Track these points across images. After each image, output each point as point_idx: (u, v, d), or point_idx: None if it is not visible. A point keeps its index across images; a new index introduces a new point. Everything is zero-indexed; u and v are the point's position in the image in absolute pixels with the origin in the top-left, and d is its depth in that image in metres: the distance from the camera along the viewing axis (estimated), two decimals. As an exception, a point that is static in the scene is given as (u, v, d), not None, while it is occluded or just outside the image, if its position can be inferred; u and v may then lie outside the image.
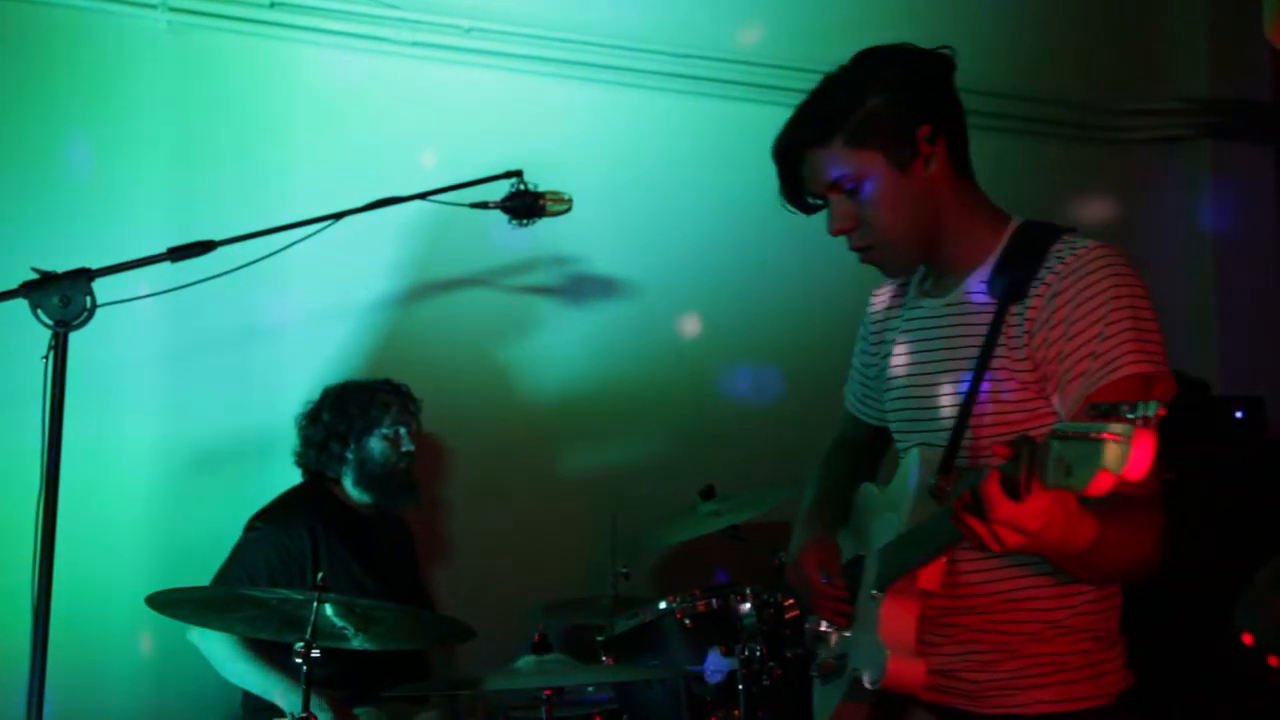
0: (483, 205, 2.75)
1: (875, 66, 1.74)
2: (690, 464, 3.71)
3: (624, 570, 3.31)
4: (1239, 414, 3.95)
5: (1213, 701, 3.36)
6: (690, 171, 3.96)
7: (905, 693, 1.63)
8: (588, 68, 3.90)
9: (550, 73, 3.87)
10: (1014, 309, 1.66)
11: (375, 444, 3.20)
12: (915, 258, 1.78)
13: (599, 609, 3.26)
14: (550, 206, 2.77)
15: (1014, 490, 1.29)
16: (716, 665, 2.84)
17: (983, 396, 1.67)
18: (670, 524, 3.49)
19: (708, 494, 3.40)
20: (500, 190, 2.78)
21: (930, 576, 1.60)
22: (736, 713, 2.75)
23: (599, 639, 3.14)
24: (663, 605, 3.01)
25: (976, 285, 1.73)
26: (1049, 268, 1.64)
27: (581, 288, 3.88)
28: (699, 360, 3.97)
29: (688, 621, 2.98)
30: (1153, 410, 1.14)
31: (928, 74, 1.73)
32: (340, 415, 3.21)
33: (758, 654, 2.76)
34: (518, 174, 2.77)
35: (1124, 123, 4.57)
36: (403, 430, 3.24)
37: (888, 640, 1.61)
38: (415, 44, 3.73)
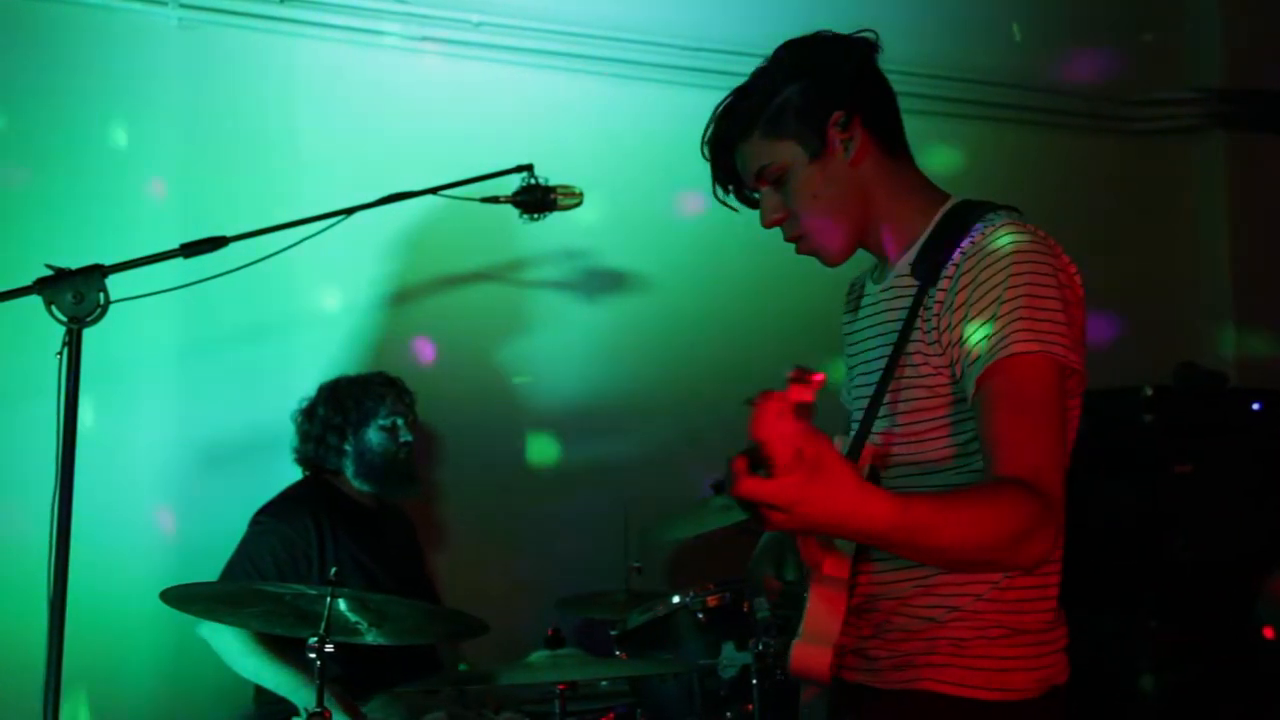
0: (493, 200, 2.75)
1: (791, 56, 1.74)
2: (703, 458, 3.70)
3: (637, 565, 3.30)
4: (1257, 406, 3.91)
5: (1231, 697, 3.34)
6: (702, 166, 3.92)
7: (812, 681, 1.59)
8: (599, 61, 3.89)
9: (561, 66, 3.86)
10: (931, 291, 1.64)
11: (373, 435, 3.22)
12: (847, 245, 1.76)
13: (612, 604, 3.26)
14: (561, 201, 2.76)
15: (768, 465, 1.25)
16: (730, 659, 2.83)
17: (899, 382, 1.65)
18: (683, 519, 3.48)
19: (720, 488, 3.40)
20: (511, 185, 2.78)
21: (835, 564, 1.55)
22: (750, 707, 2.74)
23: (612, 634, 3.13)
24: (676, 600, 3.00)
25: (904, 269, 1.71)
26: (960, 248, 1.61)
27: (593, 282, 3.87)
28: (711, 354, 3.96)
29: (701, 616, 2.97)
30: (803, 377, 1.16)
31: (843, 60, 1.72)
32: (335, 409, 3.23)
33: (771, 648, 2.75)
34: (528, 168, 2.77)
35: (1138, 113, 4.53)
36: (399, 420, 3.26)
37: (807, 628, 1.57)
38: (425, 39, 3.73)
